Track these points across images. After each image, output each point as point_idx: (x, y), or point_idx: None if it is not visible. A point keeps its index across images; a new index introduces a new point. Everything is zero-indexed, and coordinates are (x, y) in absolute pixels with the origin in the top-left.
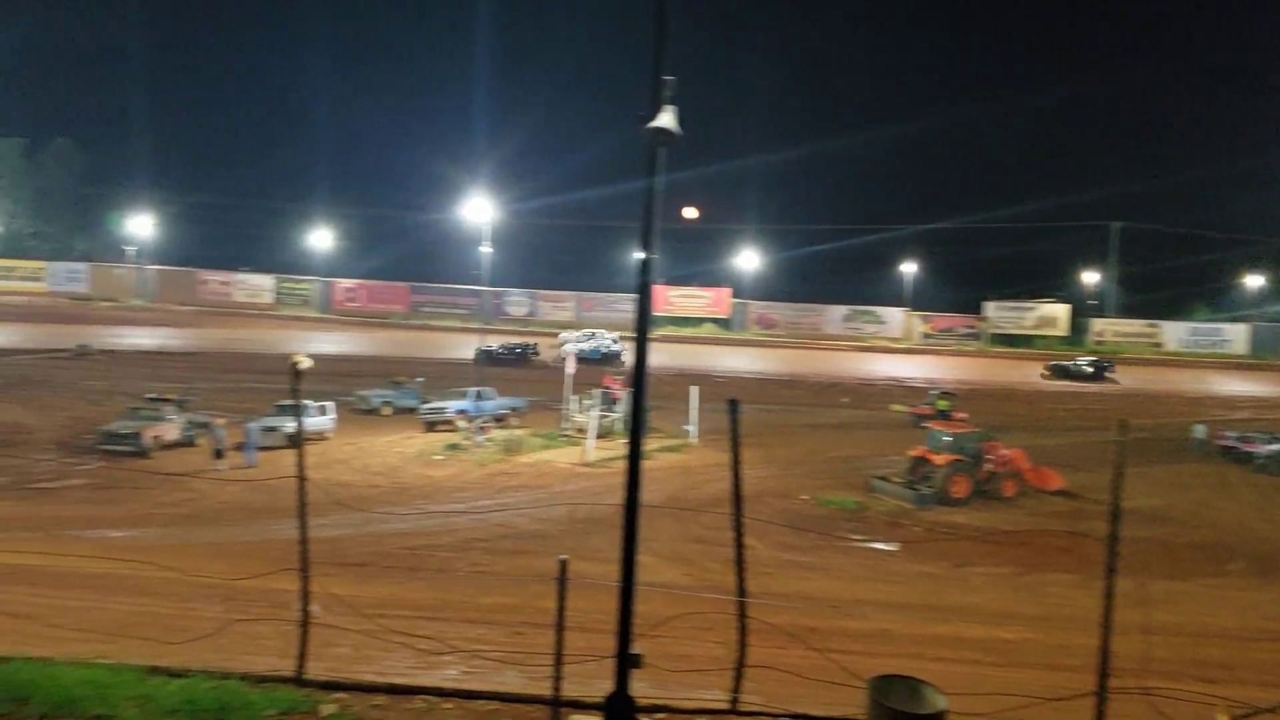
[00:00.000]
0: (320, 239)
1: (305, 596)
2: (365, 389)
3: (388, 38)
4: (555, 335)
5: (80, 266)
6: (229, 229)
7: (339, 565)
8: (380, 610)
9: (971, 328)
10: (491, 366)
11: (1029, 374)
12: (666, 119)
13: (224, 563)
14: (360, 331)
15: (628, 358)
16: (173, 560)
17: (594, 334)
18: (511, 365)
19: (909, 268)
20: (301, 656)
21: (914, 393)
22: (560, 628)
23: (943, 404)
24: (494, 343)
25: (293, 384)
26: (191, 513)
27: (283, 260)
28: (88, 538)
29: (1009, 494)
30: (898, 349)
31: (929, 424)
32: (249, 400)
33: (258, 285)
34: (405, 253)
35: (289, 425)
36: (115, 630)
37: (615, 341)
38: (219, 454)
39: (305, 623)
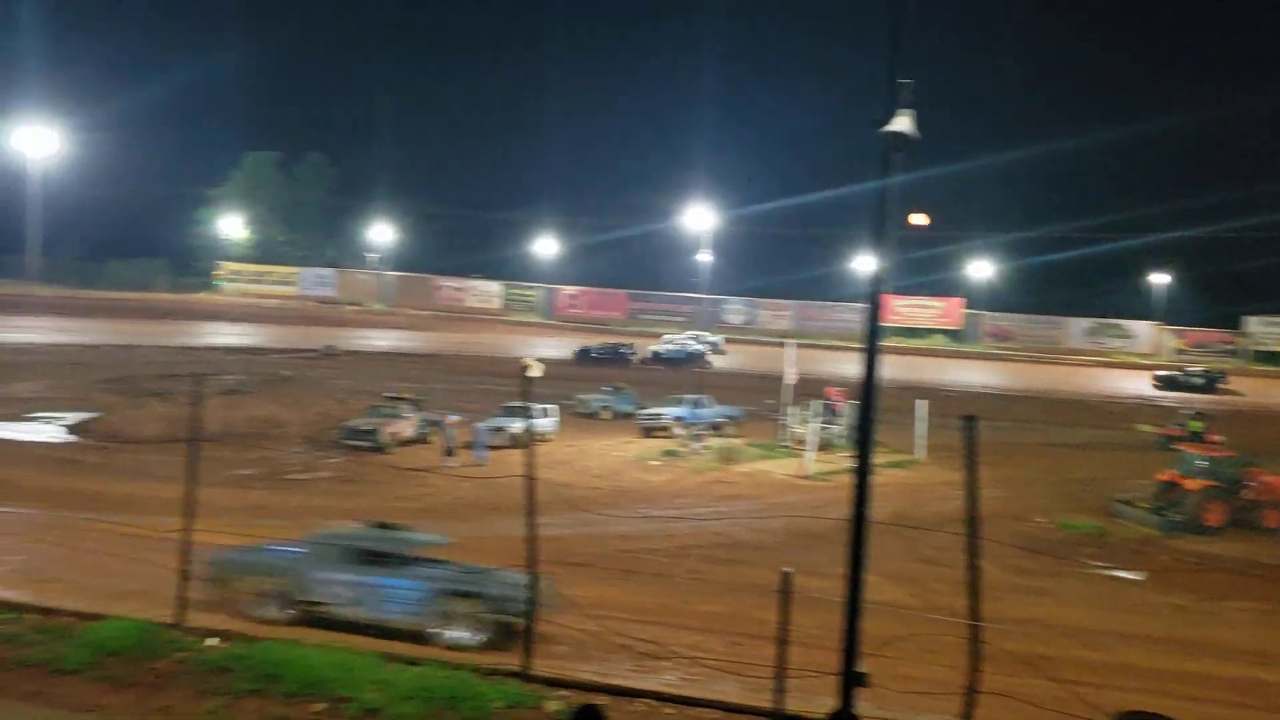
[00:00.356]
0: (545, 247)
1: (534, 594)
2: (585, 393)
3: (615, 49)
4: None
5: (328, 272)
6: (462, 237)
7: (562, 564)
8: (600, 611)
9: (1230, 344)
10: (588, 367)
11: None
12: (903, 123)
13: (456, 555)
14: (581, 337)
15: (714, 359)
16: None
17: (696, 336)
18: (608, 365)
19: (1159, 278)
20: (527, 652)
21: (1163, 412)
22: (783, 641)
23: (1195, 425)
24: (593, 343)
25: (523, 387)
26: (427, 506)
27: (511, 267)
28: (326, 527)
29: (1271, 525)
30: (1145, 365)
31: (1180, 446)
32: (478, 401)
33: (488, 291)
34: (626, 260)
35: (515, 426)
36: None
37: (697, 341)
38: (450, 452)
39: (531, 619)
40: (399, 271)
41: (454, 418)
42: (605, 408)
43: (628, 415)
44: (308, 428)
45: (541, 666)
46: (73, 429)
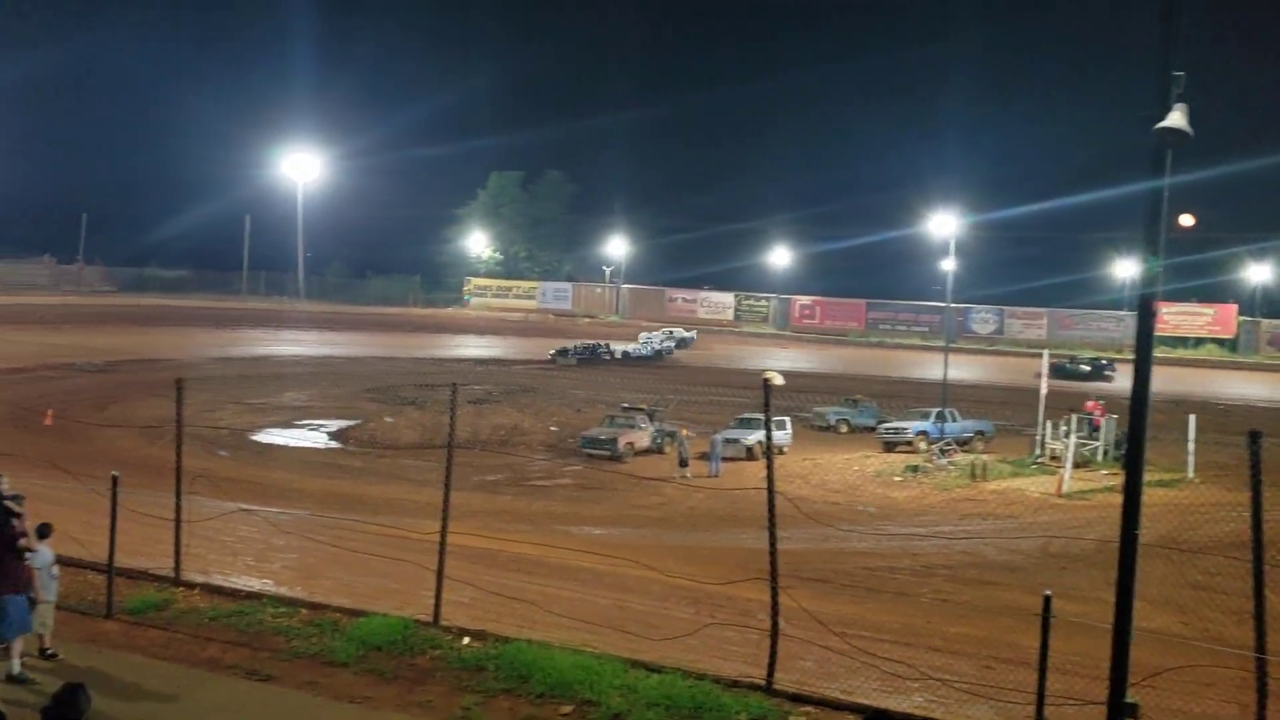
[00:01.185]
0: (779, 256)
1: (775, 607)
2: (822, 405)
3: (851, 51)
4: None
5: (566, 286)
6: (695, 249)
7: (799, 578)
8: (842, 628)
9: None
10: (569, 368)
11: None
12: (1176, 118)
13: (693, 565)
14: (815, 349)
15: (680, 353)
16: (647, 559)
17: (670, 333)
18: (588, 364)
19: None
20: (771, 666)
21: None
22: (1043, 667)
23: None
24: (570, 344)
25: (765, 398)
26: (662, 516)
27: (744, 278)
28: (573, 533)
29: None
30: None
31: None
32: (711, 412)
33: (719, 303)
34: (864, 268)
35: (750, 438)
36: (599, 621)
37: (669, 337)
38: (683, 462)
39: (775, 633)
40: (632, 284)
41: (686, 428)
42: (843, 420)
43: (868, 429)
44: (549, 436)
45: (785, 680)
46: (335, 435)
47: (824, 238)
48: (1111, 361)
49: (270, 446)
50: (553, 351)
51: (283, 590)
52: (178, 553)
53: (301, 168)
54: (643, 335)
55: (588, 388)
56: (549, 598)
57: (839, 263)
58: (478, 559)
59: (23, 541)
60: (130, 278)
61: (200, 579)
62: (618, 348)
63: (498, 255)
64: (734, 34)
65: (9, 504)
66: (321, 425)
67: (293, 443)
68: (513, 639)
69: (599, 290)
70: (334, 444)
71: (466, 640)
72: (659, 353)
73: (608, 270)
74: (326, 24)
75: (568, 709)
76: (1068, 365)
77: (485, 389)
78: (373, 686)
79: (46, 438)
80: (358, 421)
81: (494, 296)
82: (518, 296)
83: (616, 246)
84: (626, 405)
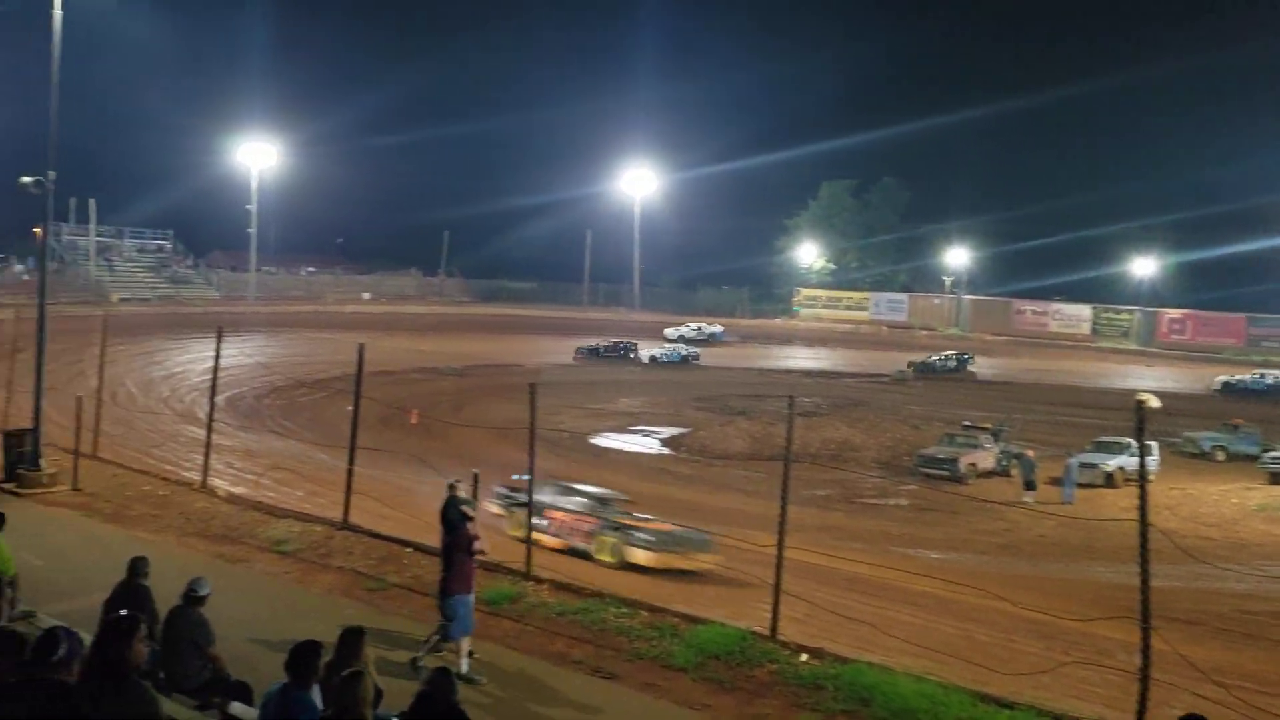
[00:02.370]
0: (1142, 266)
1: (1147, 649)
2: (1194, 430)
3: (1223, 43)
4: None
5: (900, 297)
6: (1044, 258)
7: (1165, 618)
8: (1217, 676)
9: None
10: (595, 365)
11: None
12: None
13: (1041, 597)
14: (1186, 367)
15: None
16: (990, 588)
17: (699, 329)
18: (615, 363)
19: None
20: (1140, 713)
21: None
22: None
23: None
24: (598, 342)
25: (1138, 423)
26: (1007, 543)
27: (1101, 289)
28: (909, 555)
29: None
30: None
31: None
32: (1062, 434)
33: (1073, 315)
34: (1245, 280)
35: (1111, 463)
36: (941, 649)
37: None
38: (1029, 486)
39: (1146, 677)
40: (974, 295)
41: (1033, 450)
42: (1219, 447)
43: (1250, 458)
44: (882, 453)
45: None
46: (667, 442)
47: (1193, 245)
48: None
49: (606, 450)
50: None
51: (623, 592)
52: (529, 549)
53: (638, 184)
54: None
55: (924, 403)
56: (887, 621)
57: (1215, 273)
58: (810, 575)
59: (477, 545)
60: (485, 289)
61: (548, 575)
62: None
63: (829, 265)
64: (1087, 25)
65: (464, 509)
66: (654, 431)
67: (627, 447)
68: (852, 660)
69: (937, 301)
70: (665, 450)
71: (804, 657)
72: (686, 358)
73: (947, 280)
74: (666, 39)
75: None
76: (936, 362)
77: (814, 402)
78: (711, 695)
79: (412, 435)
80: (688, 429)
81: (824, 307)
82: (849, 307)
83: (956, 255)
84: (968, 423)
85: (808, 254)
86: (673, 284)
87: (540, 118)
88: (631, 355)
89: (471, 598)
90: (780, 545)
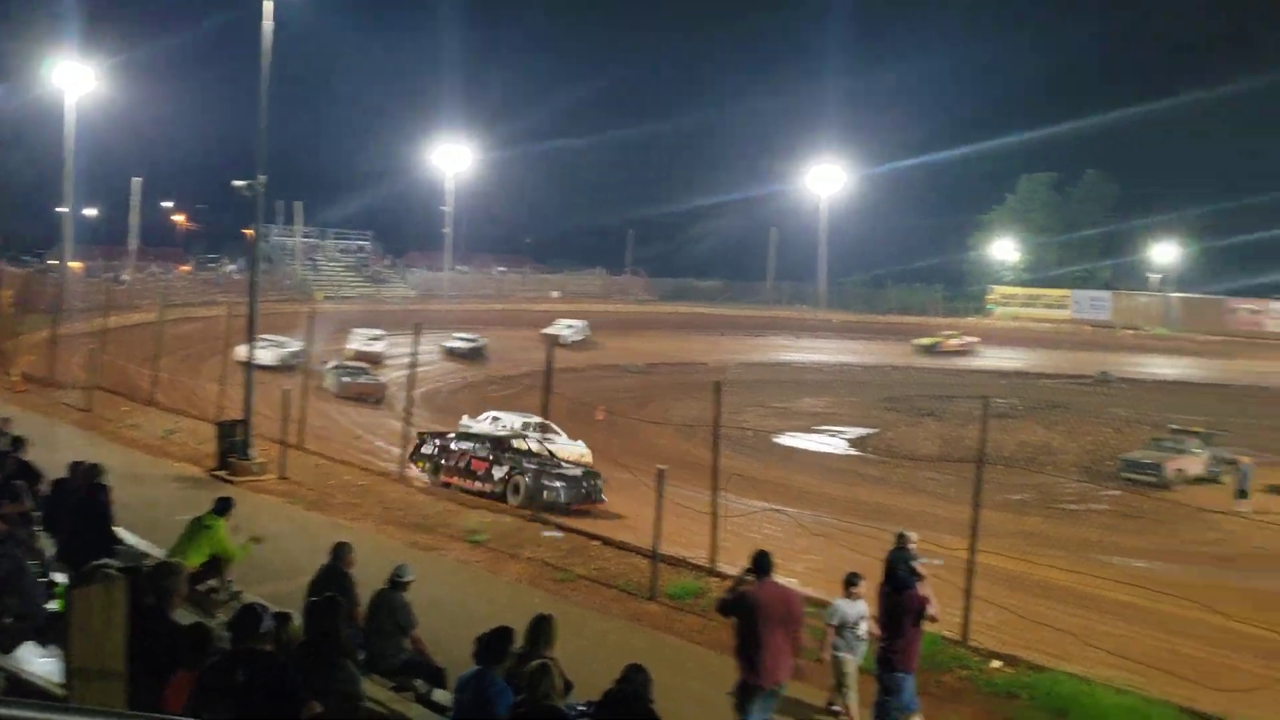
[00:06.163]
0: None
1: None
2: None
3: None
4: None
5: (1103, 294)
6: (1261, 254)
7: None
8: None
9: None
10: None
11: None
12: None
13: (1255, 611)
14: None
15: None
16: (1204, 600)
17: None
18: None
19: None
20: None
21: None
22: None
23: None
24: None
25: None
26: (1220, 554)
27: None
28: (1111, 563)
29: None
30: None
31: None
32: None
33: None
34: None
35: None
36: (1145, 662)
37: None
38: (1243, 494)
39: None
40: (1183, 293)
41: (1249, 456)
42: None
43: None
44: (1081, 457)
45: None
46: (853, 442)
47: None
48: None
49: (792, 450)
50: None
51: (808, 591)
52: (713, 545)
53: (825, 180)
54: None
55: (1129, 406)
56: (1084, 629)
57: None
58: (1003, 580)
59: (930, 609)
60: (669, 288)
61: (731, 570)
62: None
63: (1026, 260)
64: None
65: (915, 565)
66: (840, 432)
67: (813, 447)
68: (1047, 669)
69: (1143, 300)
70: (853, 451)
71: (996, 663)
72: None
73: (1154, 277)
74: (854, 28)
75: None
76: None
77: (1010, 403)
78: None
79: (597, 431)
80: (875, 430)
81: (1020, 306)
82: (1047, 306)
83: (1164, 251)
84: (1176, 427)
85: (1003, 250)
86: (862, 282)
87: (726, 115)
88: None
89: (913, 677)
90: (972, 548)
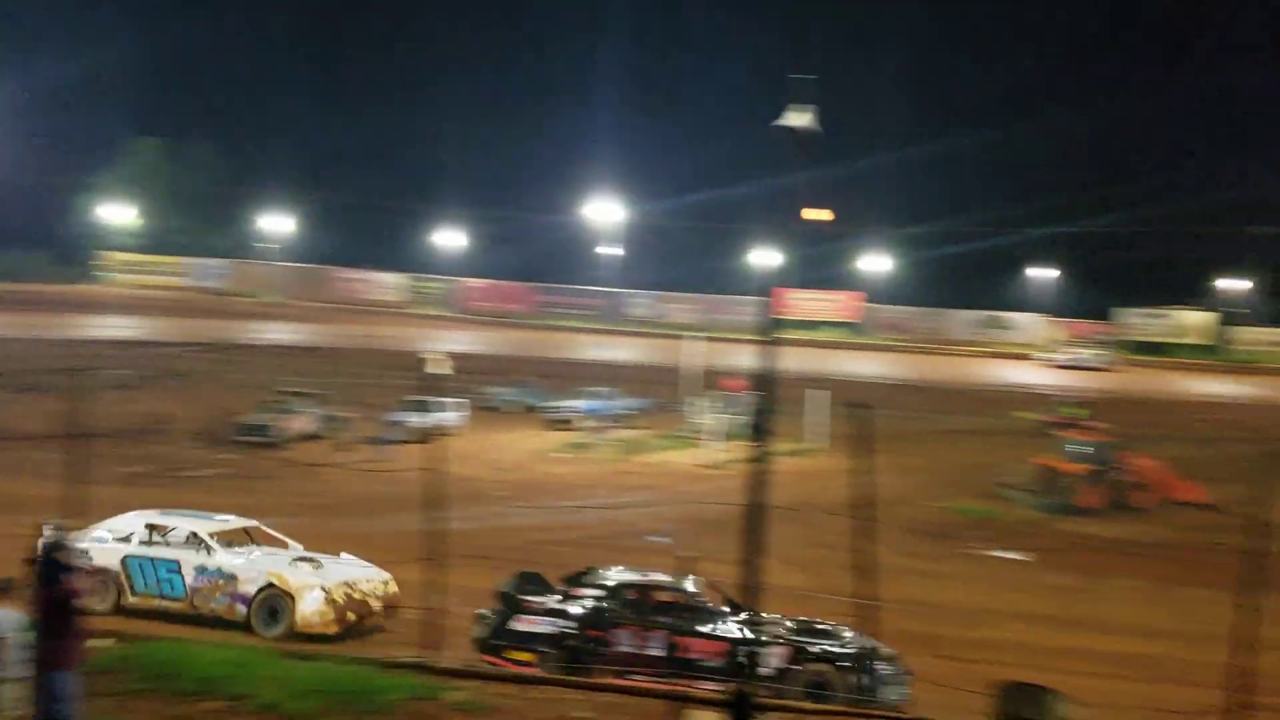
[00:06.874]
0: (450, 239)
1: None
2: (491, 386)
3: (510, 40)
4: None
5: (220, 263)
6: (365, 229)
7: (467, 557)
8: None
9: (1107, 335)
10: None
11: (1168, 383)
12: (800, 118)
13: (360, 552)
14: (488, 331)
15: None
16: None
17: None
18: None
19: (1044, 273)
20: (431, 646)
21: (1043, 400)
22: None
23: (1074, 412)
24: None
25: (423, 381)
26: (325, 504)
27: (415, 259)
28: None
29: (1145, 505)
30: (1028, 355)
31: (1060, 432)
32: (380, 395)
33: (390, 284)
34: (536, 253)
35: (418, 420)
36: None
37: None
38: (376, 443)
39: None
40: (295, 263)
41: (354, 413)
42: (511, 401)
43: (536, 409)
44: (201, 423)
45: (450, 658)
46: None
47: (495, 220)
48: None
49: None
50: None
51: None
52: None
53: None
54: None
55: (247, 372)
56: None
57: (511, 247)
58: None
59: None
60: None
61: None
62: None
63: (144, 228)
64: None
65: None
66: None
67: None
68: (149, 638)
69: (257, 268)
70: None
71: (107, 642)
72: None
73: (269, 247)
74: None
75: (217, 704)
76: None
77: (125, 374)
78: None
79: None
80: None
81: (139, 273)
82: (166, 273)
83: (278, 222)
84: (286, 389)
85: (117, 215)
86: None
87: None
88: None
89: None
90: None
